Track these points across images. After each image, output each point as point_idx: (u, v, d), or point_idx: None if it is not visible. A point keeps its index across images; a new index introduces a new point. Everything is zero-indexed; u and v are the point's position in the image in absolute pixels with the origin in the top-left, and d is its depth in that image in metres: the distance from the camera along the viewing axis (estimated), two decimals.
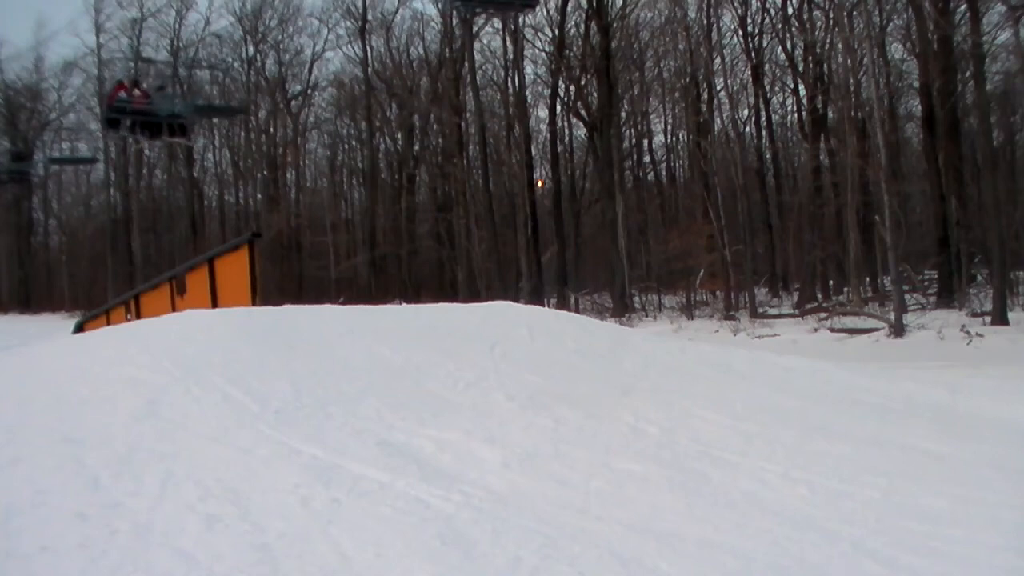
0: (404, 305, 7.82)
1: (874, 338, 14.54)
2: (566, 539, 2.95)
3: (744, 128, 28.68)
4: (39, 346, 6.96)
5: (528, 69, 29.15)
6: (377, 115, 34.14)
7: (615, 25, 26.52)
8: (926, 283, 21.88)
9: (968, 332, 13.11)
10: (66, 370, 5.14)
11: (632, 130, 32.19)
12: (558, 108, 28.66)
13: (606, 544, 2.93)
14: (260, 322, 6.17)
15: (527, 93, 28.55)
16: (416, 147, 34.40)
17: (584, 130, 29.41)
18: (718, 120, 26.17)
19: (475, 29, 28.20)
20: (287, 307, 7.27)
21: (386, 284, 32.79)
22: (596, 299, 27.71)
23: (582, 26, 27.48)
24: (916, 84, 23.51)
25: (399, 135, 34.96)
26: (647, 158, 34.26)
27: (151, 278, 16.60)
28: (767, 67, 28.01)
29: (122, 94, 15.29)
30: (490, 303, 8.14)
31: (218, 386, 4.64)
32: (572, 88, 28.25)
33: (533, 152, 29.04)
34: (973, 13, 17.85)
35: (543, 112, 30.42)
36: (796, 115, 28.45)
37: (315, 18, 45.98)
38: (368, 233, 34.15)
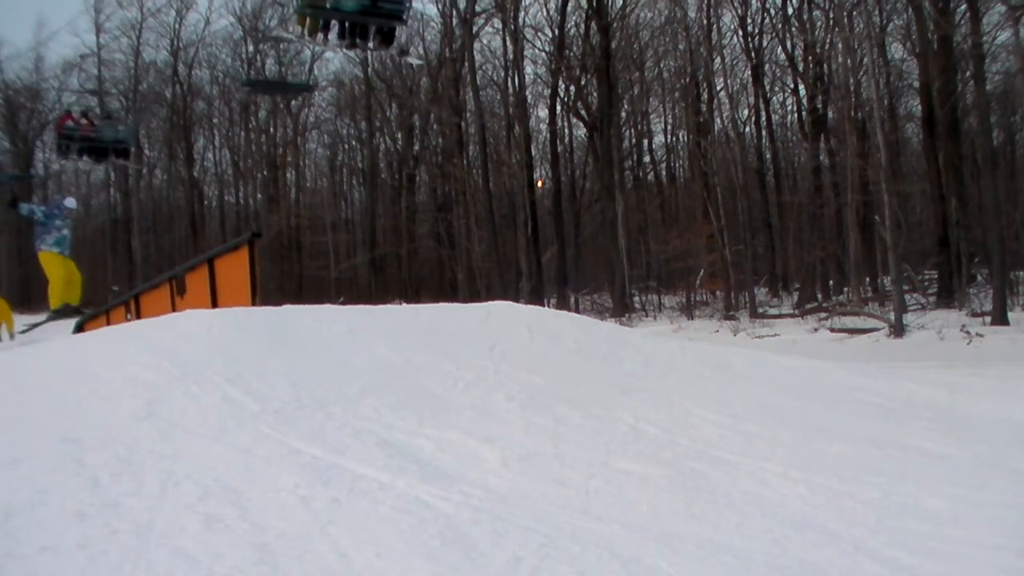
0: (404, 305, 7.82)
1: (874, 338, 14.55)
2: (566, 539, 2.95)
3: (744, 128, 28.72)
4: (39, 346, 6.96)
5: (528, 69, 29.19)
6: (377, 115, 34.16)
7: (615, 25, 26.53)
8: (926, 283, 21.89)
9: (968, 332, 13.12)
10: (66, 370, 5.14)
11: (632, 130, 32.22)
12: (558, 108, 28.69)
13: (606, 544, 2.93)
14: (260, 322, 6.16)
15: (527, 93, 28.58)
16: (416, 147, 34.42)
17: (584, 130, 29.44)
18: (718, 120, 26.22)
19: (475, 29, 28.19)
20: (287, 307, 7.26)
21: (386, 284, 32.80)
22: (596, 299, 27.73)
23: (582, 26, 27.50)
24: (916, 84, 23.52)
25: (399, 135, 34.98)
26: (647, 158, 34.29)
27: (151, 278, 16.63)
28: (767, 67, 28.05)
29: (69, 123, 17.27)
30: (490, 303, 8.13)
31: (218, 386, 4.64)
32: (572, 88, 28.26)
33: (533, 152, 29.06)
34: (973, 13, 17.85)
35: (543, 112, 30.47)
36: (796, 115, 28.49)
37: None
38: (368, 233, 34.16)
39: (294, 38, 12.88)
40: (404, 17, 11.78)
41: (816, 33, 24.58)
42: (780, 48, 26.99)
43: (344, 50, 12.01)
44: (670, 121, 33.01)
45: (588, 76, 27.55)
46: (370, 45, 11.97)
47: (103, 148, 17.23)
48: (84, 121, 17.39)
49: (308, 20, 11.52)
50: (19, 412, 4.36)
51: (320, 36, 11.58)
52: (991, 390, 6.16)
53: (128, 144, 18.16)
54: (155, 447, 3.78)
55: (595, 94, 27.13)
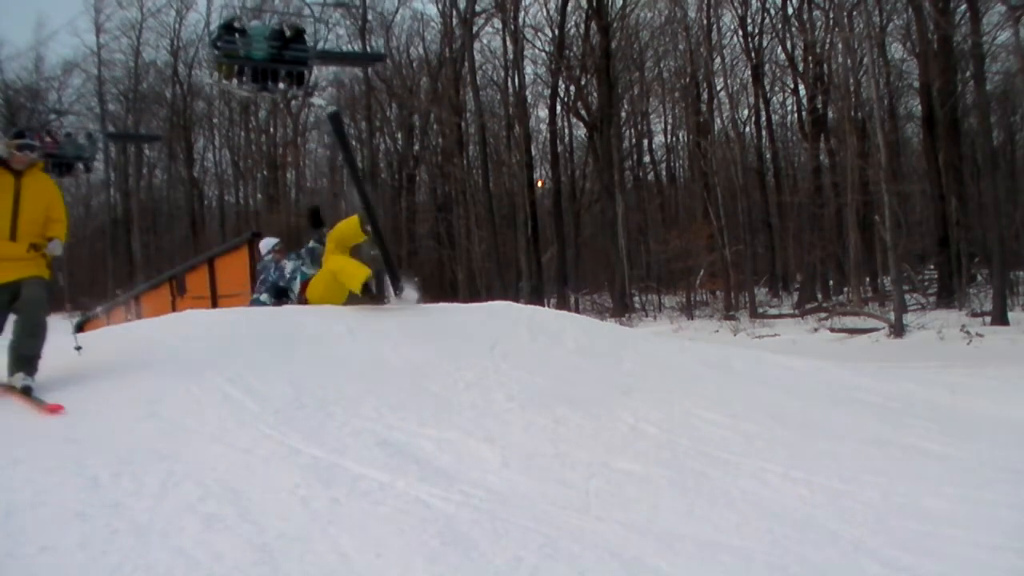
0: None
1: (874, 338, 14.55)
2: (566, 539, 2.95)
3: (744, 128, 28.71)
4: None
5: (528, 69, 29.20)
6: (377, 115, 34.12)
7: (615, 25, 26.55)
8: (926, 283, 21.89)
9: (968, 332, 13.12)
10: (66, 370, 5.14)
11: (632, 130, 32.22)
12: (558, 108, 28.69)
13: (606, 544, 2.93)
14: (260, 322, 6.16)
15: (527, 93, 28.60)
16: (416, 147, 34.38)
17: (584, 130, 29.44)
18: (718, 120, 26.22)
19: (475, 29, 28.22)
20: (287, 306, 7.26)
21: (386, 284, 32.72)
22: (596, 299, 27.74)
23: (582, 26, 27.51)
24: (916, 84, 23.53)
25: (399, 135, 34.95)
26: (647, 158, 34.28)
27: (151, 278, 16.70)
28: (767, 67, 28.05)
29: (36, 141, 18.18)
30: (490, 303, 8.12)
31: (218, 386, 4.64)
32: (572, 88, 28.27)
33: (533, 152, 29.07)
34: (973, 13, 17.85)
35: (543, 112, 30.48)
36: (796, 115, 28.51)
37: (315, 18, 45.85)
38: None
39: (214, 82, 15.08)
40: (309, 63, 13.94)
41: (816, 33, 24.58)
42: (780, 48, 27.01)
43: (263, 92, 14.20)
44: (670, 121, 33.04)
45: (588, 76, 27.55)
46: (281, 86, 13.84)
47: (68, 163, 18.89)
48: (48, 139, 18.91)
49: (224, 67, 13.49)
50: (19, 412, 4.36)
51: (235, 81, 13.42)
52: (991, 390, 6.15)
53: (90, 157, 19.98)
54: (155, 447, 3.78)
55: (595, 94, 27.13)
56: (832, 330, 15.94)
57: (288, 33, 13.65)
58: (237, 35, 13.43)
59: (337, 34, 41.68)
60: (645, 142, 33.66)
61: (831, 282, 24.65)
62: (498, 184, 29.71)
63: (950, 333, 13.50)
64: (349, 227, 7.40)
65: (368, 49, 33.12)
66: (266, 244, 8.59)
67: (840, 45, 22.14)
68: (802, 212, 24.82)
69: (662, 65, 29.63)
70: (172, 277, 11.50)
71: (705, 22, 25.02)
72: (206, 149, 40.32)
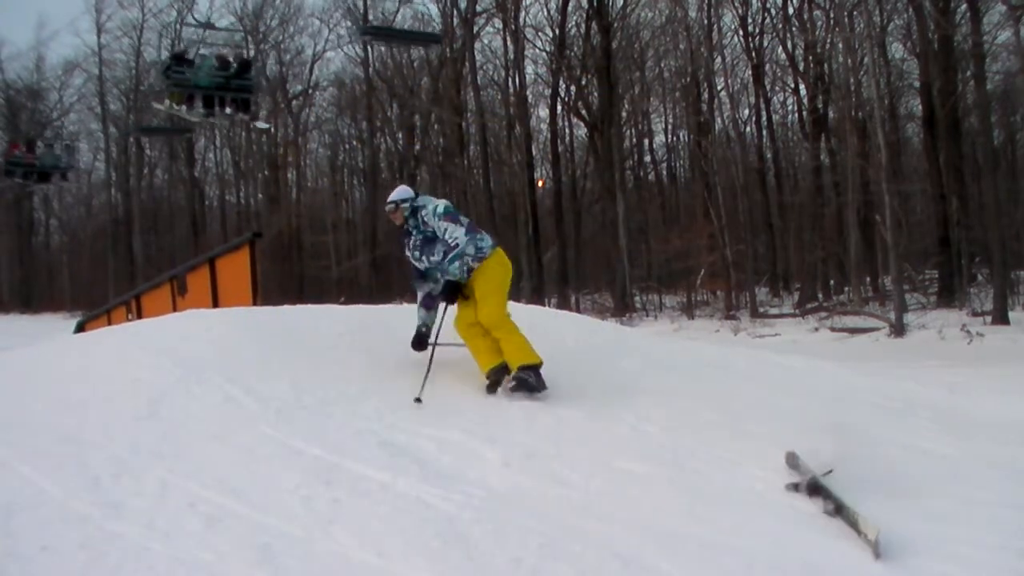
0: (405, 305, 7.82)
1: (874, 338, 14.56)
2: (566, 539, 2.96)
3: (744, 128, 28.68)
4: (39, 346, 6.97)
5: (529, 69, 29.19)
6: (378, 115, 34.13)
7: (616, 25, 26.52)
8: (927, 283, 21.86)
9: (968, 332, 13.13)
10: (66, 370, 5.15)
11: (633, 130, 32.15)
12: (559, 108, 28.67)
13: (607, 544, 2.93)
14: (261, 322, 6.16)
15: (528, 93, 28.59)
16: (417, 147, 34.37)
17: (585, 130, 29.42)
18: (718, 120, 26.17)
19: (476, 29, 28.23)
20: (287, 307, 7.26)
21: (387, 284, 32.76)
22: (597, 299, 27.71)
23: (582, 26, 27.50)
24: (916, 84, 23.51)
25: (400, 135, 34.94)
26: (648, 158, 34.22)
27: (151, 278, 16.74)
28: (767, 67, 28.02)
29: (16, 152, 20.61)
30: None
31: (219, 386, 4.64)
32: (573, 88, 28.26)
33: (534, 152, 29.04)
34: (973, 13, 17.86)
35: (544, 112, 30.45)
36: (796, 115, 28.48)
37: (316, 18, 46.10)
38: (369, 233, 34.14)
39: (165, 108, 16.81)
40: (252, 90, 15.98)
41: (817, 33, 24.55)
42: (781, 48, 26.98)
43: (209, 118, 16.28)
44: (671, 121, 32.99)
45: (589, 76, 27.55)
46: (228, 111, 15.89)
47: (45, 172, 20.48)
48: (26, 151, 20.53)
49: (176, 94, 15.17)
50: (20, 412, 4.37)
51: (185, 107, 15.25)
52: (991, 390, 6.16)
53: (66, 167, 21.54)
54: (156, 447, 3.79)
55: (596, 94, 27.12)
56: (833, 330, 15.94)
57: (234, 64, 15.28)
58: (186, 65, 15.02)
59: (338, 34, 41.55)
60: (646, 142, 33.61)
61: (832, 282, 24.64)
62: (499, 184, 29.71)
63: (950, 333, 13.51)
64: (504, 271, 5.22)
65: (369, 48, 33.12)
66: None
67: (840, 45, 22.13)
68: (803, 212, 24.80)
69: (663, 65, 29.58)
70: (173, 277, 11.49)
71: (706, 22, 24.99)
72: (207, 149, 40.32)
